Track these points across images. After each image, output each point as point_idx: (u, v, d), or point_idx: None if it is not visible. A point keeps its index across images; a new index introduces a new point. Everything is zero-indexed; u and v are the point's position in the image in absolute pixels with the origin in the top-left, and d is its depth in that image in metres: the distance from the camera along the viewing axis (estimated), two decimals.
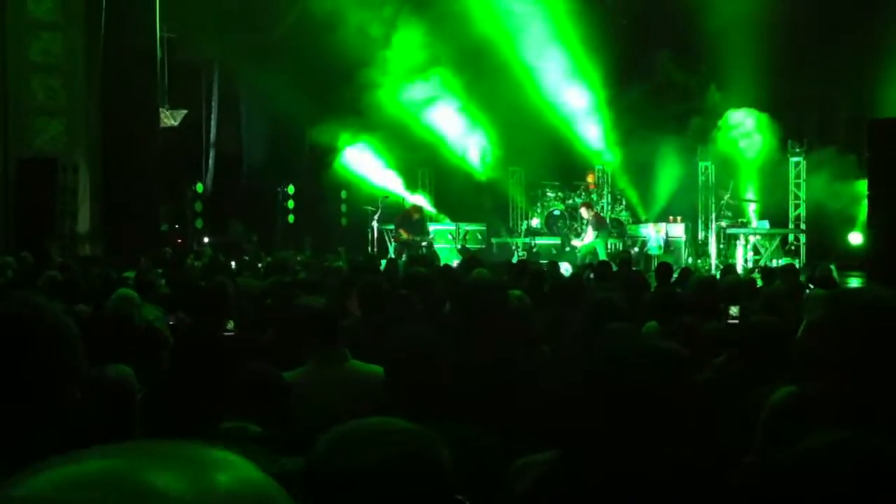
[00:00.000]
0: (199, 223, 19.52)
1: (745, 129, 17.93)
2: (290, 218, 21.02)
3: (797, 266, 13.43)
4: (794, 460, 1.55)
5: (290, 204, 21.02)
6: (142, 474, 0.69)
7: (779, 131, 17.62)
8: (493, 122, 19.17)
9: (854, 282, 13.38)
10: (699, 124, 18.29)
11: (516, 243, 19.23)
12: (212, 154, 21.43)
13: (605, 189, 19.64)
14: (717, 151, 18.09)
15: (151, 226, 17.00)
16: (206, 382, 3.76)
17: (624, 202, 19.49)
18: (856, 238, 16.37)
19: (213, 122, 21.47)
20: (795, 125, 17.80)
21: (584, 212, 17.87)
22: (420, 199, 19.40)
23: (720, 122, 18.15)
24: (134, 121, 16.61)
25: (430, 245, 17.65)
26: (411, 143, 19.00)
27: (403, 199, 19.17)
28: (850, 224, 16.74)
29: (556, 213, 19.58)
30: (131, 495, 0.67)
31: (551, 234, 19.27)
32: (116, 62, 16.33)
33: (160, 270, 10.54)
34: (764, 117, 17.65)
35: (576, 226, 18.92)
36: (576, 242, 17.91)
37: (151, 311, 6.72)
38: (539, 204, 20.01)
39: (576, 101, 18.79)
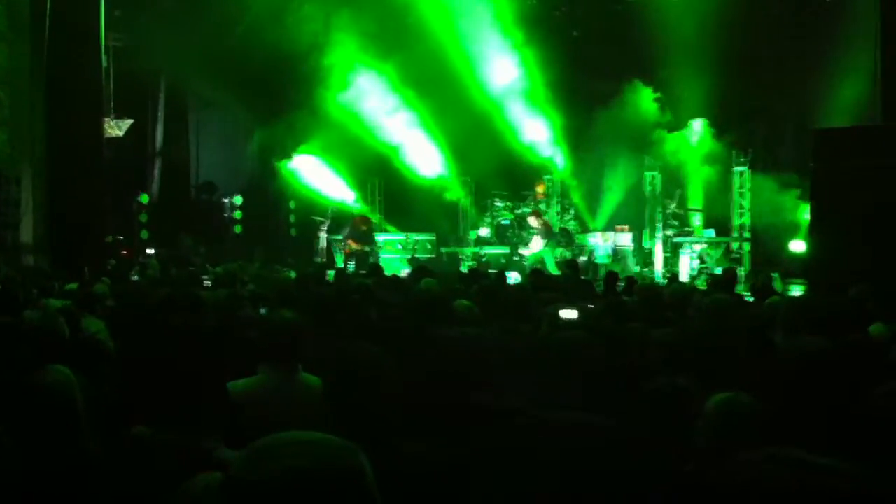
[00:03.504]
0: (144, 234, 19.26)
1: (691, 140, 18.20)
2: (238, 228, 20.83)
3: (739, 273, 13.62)
4: (719, 478, 1.57)
5: (238, 214, 20.84)
6: None
7: (724, 141, 17.89)
8: (443, 132, 19.20)
9: (796, 289, 13.61)
10: (646, 135, 18.50)
11: (465, 253, 19.27)
12: (158, 164, 21.18)
13: (554, 199, 19.78)
14: (663, 162, 18.33)
15: (96, 237, 16.73)
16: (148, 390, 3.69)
17: (572, 211, 19.65)
18: (798, 246, 16.67)
19: (159, 132, 21.23)
20: (740, 135, 18.08)
21: (532, 220, 17.95)
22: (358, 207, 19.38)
23: (666, 133, 18.40)
24: (78, 131, 16.35)
25: (375, 255, 17.60)
26: (361, 154, 18.96)
27: (352, 209, 19.13)
28: (792, 232, 17.05)
29: (506, 222, 19.68)
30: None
31: (500, 243, 19.34)
32: (61, 72, 16.06)
33: (105, 280, 10.36)
34: (709, 128, 17.93)
35: (524, 235, 19.02)
36: (524, 251, 17.99)
37: (94, 324, 6.60)
38: (488, 213, 20.09)
39: (525, 113, 18.90)
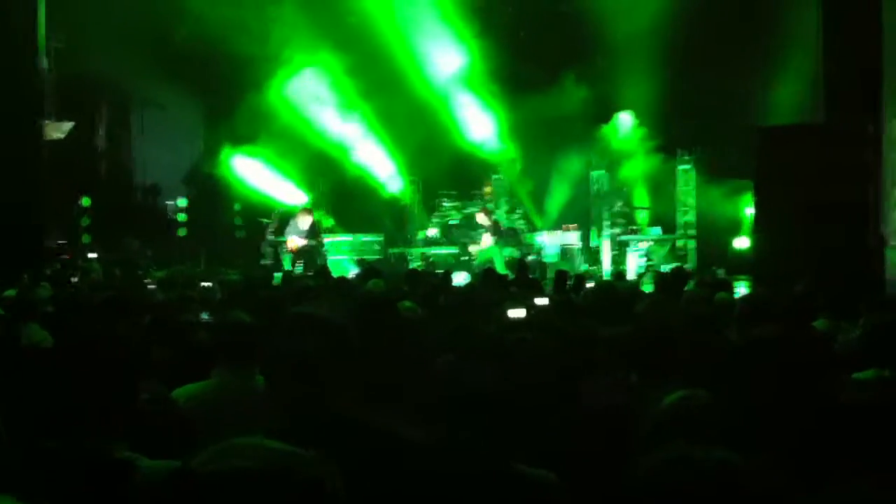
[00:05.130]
0: (86, 238, 18.89)
1: (635, 138, 18.37)
2: (182, 231, 20.53)
3: (687, 270, 13.76)
4: (636, 475, 1.57)
5: (183, 217, 20.54)
6: None
7: (667, 139, 18.08)
8: (390, 132, 19.13)
9: (741, 285, 13.78)
10: (592, 134, 18.62)
11: (413, 253, 19.23)
12: (101, 167, 20.81)
13: (502, 198, 19.82)
14: (609, 161, 18.49)
15: (35, 242, 16.36)
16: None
17: (520, 211, 19.72)
18: (742, 243, 16.90)
19: (101, 135, 20.85)
20: (684, 133, 18.27)
21: (481, 217, 17.93)
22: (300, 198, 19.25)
23: (611, 131, 18.55)
24: (15, 134, 15.96)
25: (323, 255, 17.41)
26: (308, 155, 18.83)
27: (297, 208, 18.95)
28: (736, 229, 17.28)
29: (454, 222, 19.67)
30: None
31: (449, 243, 19.33)
32: None
33: (45, 285, 10.13)
34: (650, 126, 18.09)
35: (473, 234, 19.02)
36: (473, 248, 17.98)
37: (38, 333, 6.42)
38: (436, 214, 20.07)
39: (473, 111, 18.91)
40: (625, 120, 18.47)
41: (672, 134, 18.11)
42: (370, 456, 2.24)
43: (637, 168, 18.47)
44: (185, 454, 1.55)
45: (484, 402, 2.57)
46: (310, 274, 13.09)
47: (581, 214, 18.72)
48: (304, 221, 17.30)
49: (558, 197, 19.30)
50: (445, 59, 18.45)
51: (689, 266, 16.57)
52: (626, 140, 18.45)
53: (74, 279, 12.52)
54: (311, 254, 17.03)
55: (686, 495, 1.52)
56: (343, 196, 20.25)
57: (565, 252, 18.20)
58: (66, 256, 17.69)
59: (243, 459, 1.43)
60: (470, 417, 2.52)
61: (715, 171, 17.78)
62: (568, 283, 10.50)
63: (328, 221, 19.97)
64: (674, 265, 15.74)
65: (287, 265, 17.44)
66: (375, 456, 2.25)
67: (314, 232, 17.51)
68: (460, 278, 14.12)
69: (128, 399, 2.57)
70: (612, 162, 18.53)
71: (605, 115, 18.65)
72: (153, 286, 10.54)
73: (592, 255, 18.49)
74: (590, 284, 10.59)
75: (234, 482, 1.40)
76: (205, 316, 6.57)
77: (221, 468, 1.42)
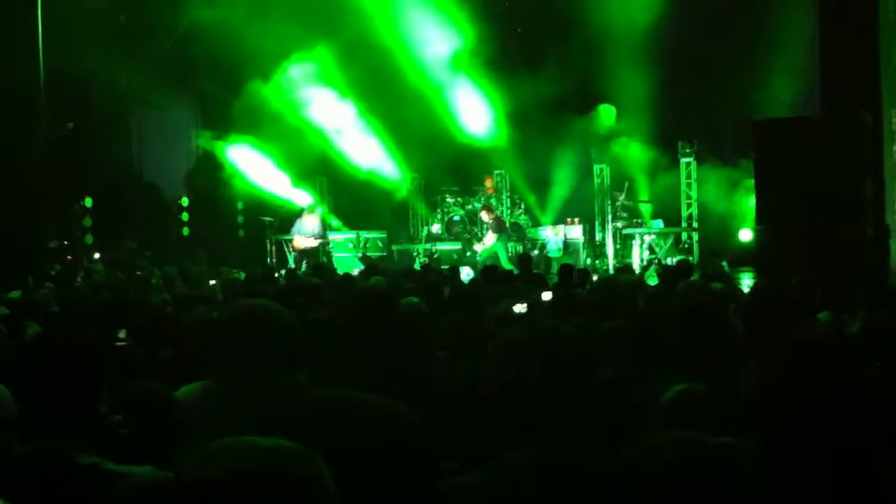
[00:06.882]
0: (88, 239, 18.88)
1: (636, 132, 18.34)
2: (185, 231, 20.52)
3: (691, 263, 13.77)
4: (631, 459, 1.57)
5: (185, 216, 20.53)
6: None
7: (669, 133, 18.03)
8: (391, 129, 19.11)
9: (745, 277, 13.78)
10: (593, 128, 18.59)
11: (417, 250, 19.23)
12: (102, 167, 20.76)
13: (504, 193, 19.82)
14: (611, 155, 18.46)
15: (38, 243, 16.36)
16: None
17: (523, 206, 19.70)
18: (745, 235, 16.88)
19: (102, 135, 20.81)
20: (685, 127, 18.24)
21: (484, 215, 17.96)
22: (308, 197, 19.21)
23: (612, 125, 18.53)
24: (14, 135, 15.95)
25: (328, 253, 17.43)
26: (309, 153, 18.79)
27: (302, 209, 18.95)
28: (740, 222, 17.26)
29: (456, 218, 19.66)
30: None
31: (452, 239, 19.33)
32: None
33: (49, 286, 10.15)
34: (649, 119, 18.03)
35: (476, 230, 19.02)
36: (477, 247, 18.00)
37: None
38: (439, 210, 20.06)
39: (473, 108, 18.86)
40: (610, 112, 18.52)
41: (674, 128, 18.06)
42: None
43: (639, 162, 18.44)
44: (181, 456, 1.53)
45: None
46: (313, 272, 13.10)
47: (584, 209, 18.70)
48: (310, 220, 17.35)
49: (561, 191, 19.28)
50: (440, 44, 18.34)
51: (692, 259, 16.57)
52: (615, 130, 18.46)
53: (78, 280, 12.52)
54: (316, 254, 17.06)
55: (687, 478, 1.51)
56: (345, 194, 20.24)
57: (568, 246, 18.20)
58: (69, 257, 17.71)
59: (236, 462, 1.39)
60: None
61: (717, 163, 17.76)
62: (572, 276, 10.49)
63: (332, 220, 19.99)
64: (678, 258, 15.76)
65: (291, 263, 17.47)
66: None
67: (319, 230, 17.55)
68: (463, 274, 14.13)
69: (90, 402, 2.51)
70: (615, 156, 18.50)
71: (606, 109, 18.63)
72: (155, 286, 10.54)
73: (596, 249, 18.47)
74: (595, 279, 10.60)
75: (229, 487, 1.36)
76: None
77: (213, 474, 1.37)
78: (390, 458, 1.89)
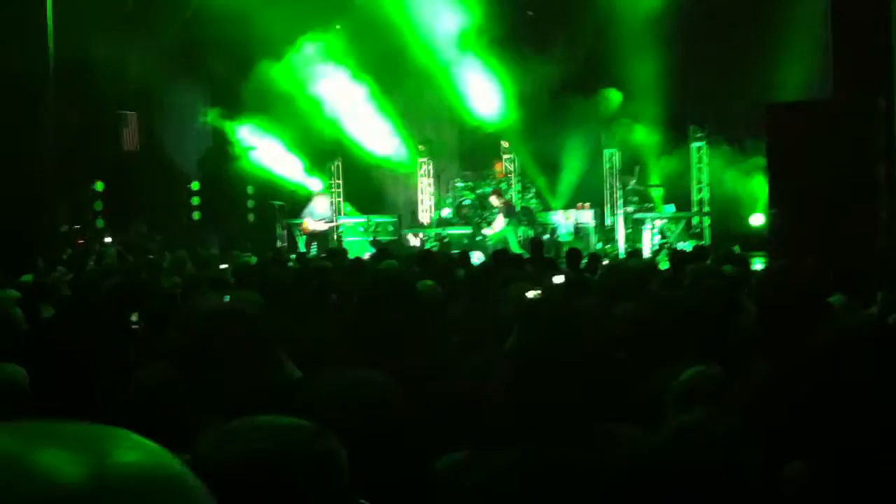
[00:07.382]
0: (100, 223, 18.94)
1: (645, 116, 18.25)
2: (196, 215, 20.56)
3: (706, 247, 13.71)
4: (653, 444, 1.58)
5: (196, 200, 20.56)
6: (35, 455, 0.62)
7: (679, 116, 17.95)
8: (402, 113, 19.09)
9: (757, 261, 13.71)
10: (603, 113, 18.52)
11: (427, 234, 19.23)
12: (114, 152, 20.80)
13: (514, 177, 19.77)
14: (621, 139, 18.38)
15: (49, 227, 16.40)
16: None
17: (533, 190, 19.67)
18: (757, 219, 16.80)
19: (114, 120, 20.84)
20: (696, 110, 18.14)
21: (493, 199, 17.93)
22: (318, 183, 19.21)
23: (622, 109, 18.46)
24: (25, 121, 15.97)
25: (338, 237, 17.44)
26: (320, 137, 18.79)
27: (312, 193, 18.97)
28: (752, 206, 17.17)
29: (466, 202, 19.63)
30: (20, 477, 0.60)
31: (462, 223, 19.31)
32: (5, 61, 15.66)
33: (61, 269, 10.18)
34: (661, 103, 17.94)
35: (486, 214, 18.99)
36: (486, 231, 17.98)
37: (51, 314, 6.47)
38: (449, 194, 20.04)
39: (484, 92, 18.79)
40: (618, 96, 18.46)
41: (685, 111, 17.97)
42: None
43: (649, 146, 18.37)
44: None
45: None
46: (324, 255, 13.12)
47: (595, 193, 18.65)
48: (320, 204, 17.37)
49: (571, 176, 19.22)
50: (449, 22, 18.25)
51: (703, 243, 16.51)
52: (625, 113, 18.41)
53: (90, 263, 12.55)
54: (326, 237, 17.09)
55: (695, 460, 1.51)
56: (354, 178, 20.23)
57: (578, 231, 18.17)
58: (81, 241, 17.76)
59: (251, 442, 1.41)
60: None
61: (728, 147, 17.67)
62: (581, 261, 10.45)
63: (343, 204, 19.99)
64: (690, 243, 15.70)
65: (301, 247, 17.49)
66: None
67: (329, 214, 17.57)
68: (475, 258, 14.11)
69: (85, 388, 2.51)
70: (625, 140, 18.43)
71: (616, 94, 18.56)
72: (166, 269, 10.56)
73: (607, 234, 18.43)
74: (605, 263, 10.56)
75: (247, 467, 1.38)
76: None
77: (230, 454, 1.40)
78: (382, 436, 1.90)
